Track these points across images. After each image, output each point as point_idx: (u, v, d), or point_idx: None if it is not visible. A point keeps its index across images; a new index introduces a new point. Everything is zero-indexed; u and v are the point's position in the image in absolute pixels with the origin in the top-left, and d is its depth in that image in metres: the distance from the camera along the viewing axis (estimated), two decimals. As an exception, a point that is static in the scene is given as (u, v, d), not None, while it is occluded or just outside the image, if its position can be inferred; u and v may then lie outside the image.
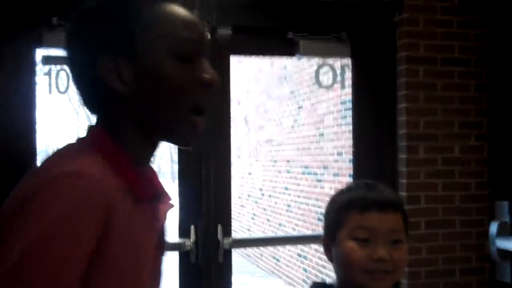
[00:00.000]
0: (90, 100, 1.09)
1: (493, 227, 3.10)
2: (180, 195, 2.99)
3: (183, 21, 1.07)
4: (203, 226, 2.92)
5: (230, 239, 2.94)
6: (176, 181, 3.00)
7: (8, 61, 2.72)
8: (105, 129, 1.07)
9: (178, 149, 3.00)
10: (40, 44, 2.74)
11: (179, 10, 1.08)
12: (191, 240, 2.89)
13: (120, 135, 1.06)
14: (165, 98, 1.04)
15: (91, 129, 1.08)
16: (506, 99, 3.17)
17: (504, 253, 3.07)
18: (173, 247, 2.98)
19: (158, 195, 1.11)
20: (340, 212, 1.40)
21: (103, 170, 0.99)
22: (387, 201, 1.38)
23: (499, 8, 3.20)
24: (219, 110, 3.00)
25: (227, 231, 2.96)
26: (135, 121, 1.06)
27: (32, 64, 2.78)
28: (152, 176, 1.14)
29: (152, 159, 1.13)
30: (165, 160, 37.15)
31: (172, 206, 1.17)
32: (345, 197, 1.42)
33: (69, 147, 1.06)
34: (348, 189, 1.45)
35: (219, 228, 2.92)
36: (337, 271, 1.41)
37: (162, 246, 1.14)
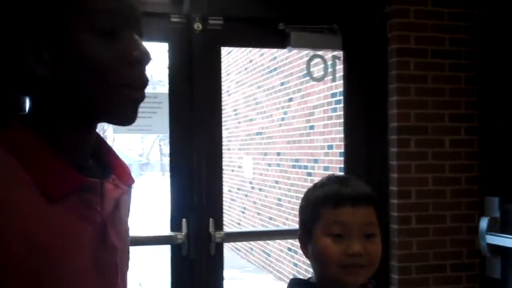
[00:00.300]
0: (17, 85, 0.99)
1: (483, 223, 3.07)
2: (171, 188, 2.98)
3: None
4: (194, 220, 2.90)
5: (222, 233, 2.94)
6: (166, 174, 2.98)
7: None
8: (25, 119, 0.98)
9: (170, 142, 2.96)
10: None
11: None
12: (183, 233, 2.89)
13: (47, 121, 0.98)
14: (90, 78, 0.95)
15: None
16: (496, 92, 3.15)
17: (494, 248, 3.04)
18: (165, 240, 3.00)
19: (89, 183, 0.98)
20: (314, 208, 1.40)
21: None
22: (359, 196, 1.39)
23: (489, 0, 3.16)
24: (209, 101, 2.97)
25: (219, 224, 2.96)
26: (63, 106, 0.97)
27: None
28: (98, 155, 1.06)
29: (90, 137, 1.03)
30: (154, 153, 37.11)
31: (129, 183, 1.08)
32: (319, 193, 1.42)
33: None
34: (321, 185, 1.45)
35: (211, 221, 2.92)
36: (314, 266, 1.42)
37: (110, 237, 1.01)
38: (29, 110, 1.00)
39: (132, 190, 1.17)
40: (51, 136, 0.97)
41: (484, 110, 3.19)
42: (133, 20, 1.00)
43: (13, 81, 0.98)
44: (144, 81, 1.00)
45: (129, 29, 0.99)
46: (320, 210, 1.39)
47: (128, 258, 1.14)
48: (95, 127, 1.04)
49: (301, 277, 1.49)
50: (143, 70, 0.99)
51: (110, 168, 1.06)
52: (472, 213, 3.19)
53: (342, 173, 1.41)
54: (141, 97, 1.00)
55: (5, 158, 0.91)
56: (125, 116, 1.00)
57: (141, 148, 37.70)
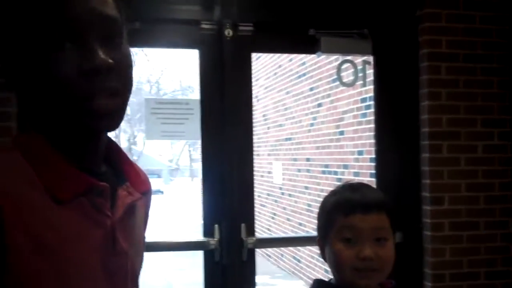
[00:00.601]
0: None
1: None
2: (203, 194, 2.99)
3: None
4: (227, 225, 2.91)
5: (254, 239, 2.95)
6: (195, 179, 2.99)
7: None
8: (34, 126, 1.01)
9: (202, 148, 2.98)
10: None
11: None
12: (216, 239, 2.90)
13: (48, 126, 1.00)
14: (47, 94, 0.95)
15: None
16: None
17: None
18: (198, 245, 3.02)
19: (99, 187, 0.99)
20: (328, 214, 1.50)
21: (10, 169, 0.94)
22: (369, 203, 1.46)
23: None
24: (240, 107, 2.99)
25: (251, 230, 2.96)
26: (41, 120, 0.99)
27: None
28: (112, 163, 1.08)
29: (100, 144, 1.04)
30: (183, 158, 37.28)
31: (138, 197, 1.08)
32: (332, 200, 1.51)
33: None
34: (335, 193, 1.54)
35: (243, 227, 2.92)
36: (331, 270, 1.50)
37: (115, 242, 1.02)
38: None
39: (151, 196, 1.20)
40: (56, 140, 0.99)
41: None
42: (82, 25, 0.94)
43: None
44: (106, 89, 0.96)
45: (87, 38, 0.95)
46: (334, 216, 1.47)
47: (140, 263, 1.15)
48: (97, 135, 1.03)
49: (326, 279, 1.56)
50: (104, 77, 0.95)
51: (124, 176, 1.08)
52: (506, 220, 3.13)
53: (357, 180, 1.51)
54: (107, 106, 0.96)
55: (20, 162, 0.95)
56: (97, 126, 0.98)
57: (171, 153, 37.92)
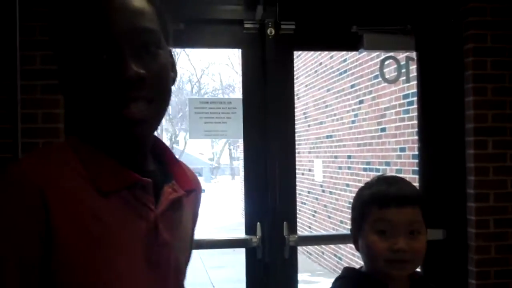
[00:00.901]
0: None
1: None
2: (245, 192, 3.02)
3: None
4: (269, 223, 2.93)
5: (296, 236, 2.96)
6: (236, 177, 3.02)
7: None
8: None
9: (244, 146, 3.01)
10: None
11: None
12: (258, 236, 2.92)
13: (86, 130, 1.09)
14: (89, 99, 1.04)
15: None
16: None
17: None
18: (240, 243, 3.05)
19: (141, 182, 1.06)
20: (363, 207, 1.53)
21: (60, 162, 1.02)
22: (404, 197, 1.50)
23: None
24: (282, 105, 3.00)
25: (293, 228, 2.97)
26: (84, 120, 1.09)
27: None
28: (159, 162, 1.15)
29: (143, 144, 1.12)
30: (224, 157, 37.45)
31: (182, 194, 1.14)
32: (367, 193, 1.55)
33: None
34: (370, 185, 1.57)
35: (285, 225, 2.93)
36: (364, 259, 1.54)
37: (158, 234, 1.08)
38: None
39: (200, 195, 1.26)
40: (101, 141, 1.07)
41: None
42: (122, 42, 1.02)
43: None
44: (140, 98, 1.04)
45: (121, 51, 1.02)
46: (369, 209, 1.51)
47: (187, 258, 1.21)
48: (135, 139, 1.09)
49: (358, 267, 1.61)
50: (141, 85, 1.03)
51: (171, 174, 1.16)
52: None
53: (393, 174, 1.55)
54: (140, 114, 1.04)
55: (70, 156, 1.04)
56: (131, 132, 1.05)
57: (212, 152, 38.15)
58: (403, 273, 1.51)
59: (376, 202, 1.50)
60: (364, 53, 5.41)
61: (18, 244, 0.95)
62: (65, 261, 0.97)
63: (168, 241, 1.10)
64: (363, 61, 7.34)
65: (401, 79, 3.40)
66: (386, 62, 3.25)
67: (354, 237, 1.57)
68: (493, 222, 3.05)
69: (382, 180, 1.58)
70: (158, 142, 1.19)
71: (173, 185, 1.13)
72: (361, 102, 7.62)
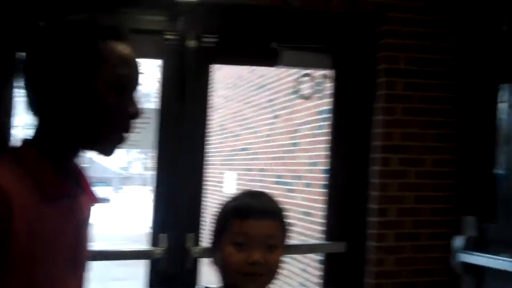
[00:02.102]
0: (34, 107, 1.26)
1: (458, 241, 3.16)
2: (153, 203, 3.01)
3: (121, 60, 1.24)
4: (173, 235, 2.92)
5: (200, 248, 2.94)
6: (147, 187, 3.00)
7: None
8: (31, 136, 1.25)
9: (155, 157, 3.01)
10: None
11: (120, 48, 1.26)
12: (162, 248, 2.90)
13: (49, 144, 1.24)
14: (98, 119, 1.22)
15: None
16: (475, 113, 3.24)
17: (469, 267, 3.12)
18: (144, 254, 3.02)
19: (73, 192, 1.27)
20: (224, 219, 1.53)
21: (6, 173, 1.16)
22: (264, 210, 1.51)
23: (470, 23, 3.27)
24: (198, 118, 3.01)
25: (197, 239, 2.96)
26: (65, 135, 1.24)
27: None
28: (76, 175, 1.32)
29: (75, 160, 1.31)
30: (136, 167, 36.90)
31: (94, 202, 1.36)
32: (230, 205, 1.54)
33: None
34: (234, 199, 1.58)
35: (190, 236, 2.93)
36: (219, 274, 1.52)
37: (81, 238, 1.31)
38: (36, 132, 1.26)
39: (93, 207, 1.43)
40: (50, 154, 1.23)
41: (463, 130, 3.29)
42: (136, 82, 1.28)
43: (34, 105, 1.25)
44: (130, 129, 1.29)
45: (133, 89, 1.27)
46: (230, 221, 1.50)
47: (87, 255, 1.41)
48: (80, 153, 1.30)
49: (212, 286, 1.58)
50: (135, 121, 1.27)
51: (83, 187, 1.34)
52: (450, 232, 3.23)
53: (260, 190, 1.58)
54: (125, 140, 1.30)
55: (14, 167, 1.19)
56: (110, 151, 1.29)
57: (125, 161, 37.52)
58: (257, 287, 1.50)
59: (237, 214, 1.49)
60: (283, 69, 5.53)
61: None
62: (17, 258, 1.13)
63: (85, 242, 1.34)
64: (282, 77, 7.49)
65: (316, 95, 3.51)
66: (302, 79, 3.34)
67: (212, 252, 1.55)
68: (393, 236, 3.20)
69: (247, 194, 1.61)
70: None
71: (85, 196, 1.34)
72: (276, 116, 7.77)
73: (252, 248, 1.46)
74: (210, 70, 3.05)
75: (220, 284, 1.53)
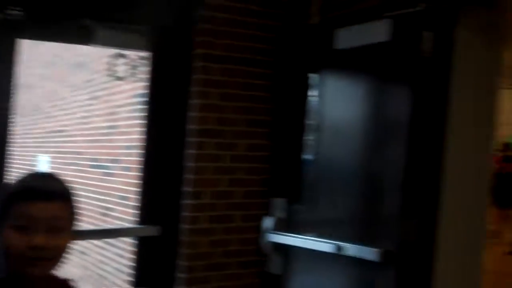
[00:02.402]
0: None
1: (267, 222, 3.30)
2: None
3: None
4: None
5: None
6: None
7: None
8: None
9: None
10: None
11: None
12: None
13: None
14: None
15: None
16: (287, 101, 3.40)
17: (278, 246, 3.28)
18: None
19: None
20: (7, 202, 1.45)
21: None
22: (49, 192, 1.45)
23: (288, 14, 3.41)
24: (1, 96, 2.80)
25: None
26: None
27: None
28: None
29: None
30: None
31: None
32: (13, 188, 1.48)
33: None
34: (19, 181, 1.50)
35: None
36: (3, 262, 1.45)
37: None
38: None
39: None
40: None
41: (276, 117, 3.43)
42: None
43: None
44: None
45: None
46: (12, 204, 1.43)
47: None
48: None
49: None
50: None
51: None
52: (262, 214, 3.37)
53: (49, 172, 1.53)
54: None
55: None
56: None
57: None
58: (41, 272, 1.44)
59: (19, 196, 1.42)
60: (100, 48, 5.37)
61: None
62: None
63: None
64: (100, 56, 7.28)
65: (132, 78, 3.46)
66: (118, 60, 3.27)
67: None
68: (207, 218, 3.25)
69: (31, 176, 1.54)
70: None
71: None
72: (95, 98, 7.55)
73: (34, 231, 1.40)
74: (16, 45, 2.86)
75: (4, 270, 1.45)
